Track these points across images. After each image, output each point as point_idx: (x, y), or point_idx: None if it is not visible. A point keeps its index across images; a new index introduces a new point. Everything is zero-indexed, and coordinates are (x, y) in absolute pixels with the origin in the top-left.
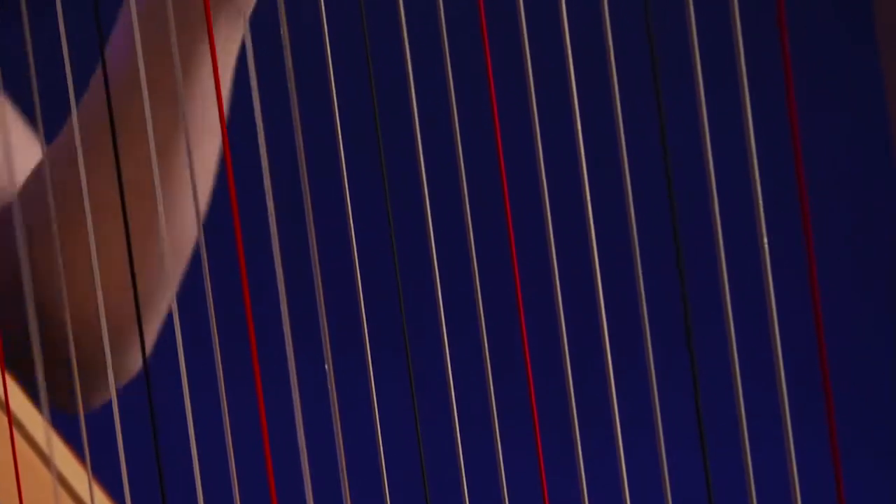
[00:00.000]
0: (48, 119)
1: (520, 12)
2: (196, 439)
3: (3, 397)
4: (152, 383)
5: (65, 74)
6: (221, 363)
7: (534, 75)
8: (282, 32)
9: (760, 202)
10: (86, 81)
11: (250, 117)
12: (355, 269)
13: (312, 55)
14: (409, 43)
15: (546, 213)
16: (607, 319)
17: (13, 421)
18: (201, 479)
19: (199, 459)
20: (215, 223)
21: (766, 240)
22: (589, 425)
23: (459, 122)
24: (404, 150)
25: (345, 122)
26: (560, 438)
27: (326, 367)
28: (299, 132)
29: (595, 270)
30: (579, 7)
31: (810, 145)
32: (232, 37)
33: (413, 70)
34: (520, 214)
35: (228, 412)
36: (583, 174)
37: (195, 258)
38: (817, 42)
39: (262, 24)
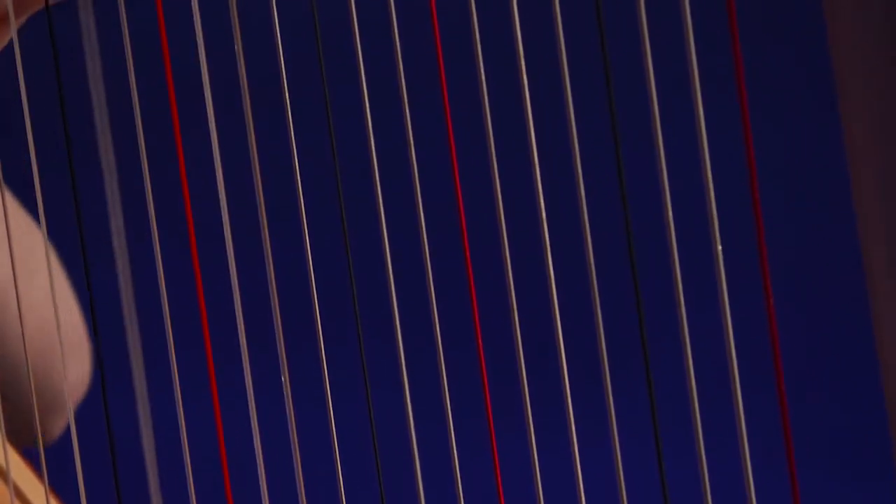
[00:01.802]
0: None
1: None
2: (154, 446)
3: None
4: (108, 403)
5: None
6: (178, 378)
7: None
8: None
9: (714, 210)
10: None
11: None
12: (308, 275)
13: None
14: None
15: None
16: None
17: None
18: (160, 489)
19: (157, 466)
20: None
21: (720, 247)
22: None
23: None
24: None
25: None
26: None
27: (283, 378)
28: (252, 140)
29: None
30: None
31: (764, 150)
32: None
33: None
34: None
35: (186, 429)
36: (537, 184)
37: (151, 267)
38: (770, 48)
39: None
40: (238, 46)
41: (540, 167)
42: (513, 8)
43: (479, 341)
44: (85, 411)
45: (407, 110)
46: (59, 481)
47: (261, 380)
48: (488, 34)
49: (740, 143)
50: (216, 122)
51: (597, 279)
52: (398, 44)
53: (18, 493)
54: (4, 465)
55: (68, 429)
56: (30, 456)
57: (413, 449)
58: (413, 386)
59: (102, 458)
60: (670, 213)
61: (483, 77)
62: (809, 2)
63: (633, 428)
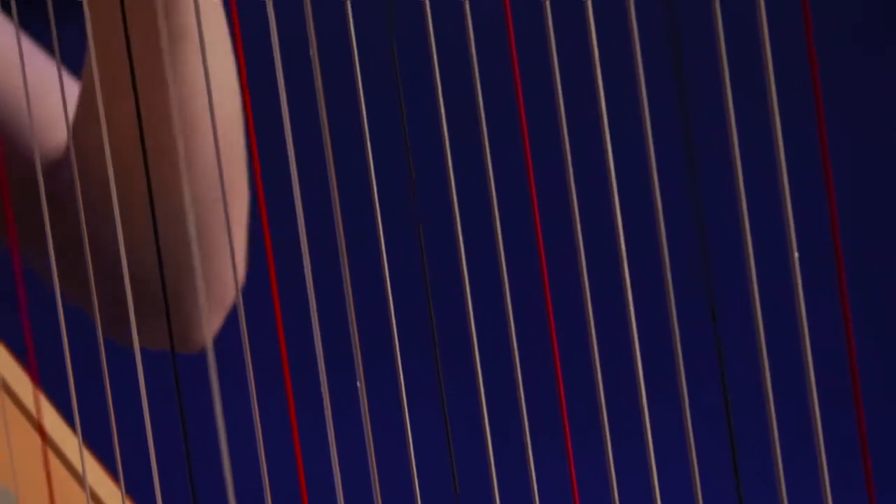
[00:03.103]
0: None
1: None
2: (229, 452)
3: (37, 418)
4: (185, 405)
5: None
6: (255, 382)
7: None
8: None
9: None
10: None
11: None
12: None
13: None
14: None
15: (575, 218)
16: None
17: (47, 440)
18: (236, 494)
19: (231, 473)
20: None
21: (797, 254)
22: (620, 434)
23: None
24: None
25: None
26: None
27: (358, 383)
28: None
29: (626, 283)
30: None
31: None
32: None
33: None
34: (548, 221)
35: (262, 430)
36: (611, 178)
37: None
38: (845, 51)
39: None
40: (313, 51)
41: (617, 184)
42: (589, 25)
43: (556, 351)
44: (161, 416)
45: (485, 135)
46: (134, 487)
47: (335, 387)
48: (566, 42)
49: (813, 153)
50: (292, 133)
51: (674, 288)
52: (475, 57)
53: (95, 497)
54: (81, 469)
55: (143, 431)
56: (104, 459)
57: (489, 452)
58: (489, 393)
59: (178, 463)
60: (747, 224)
61: (559, 88)
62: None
63: (709, 436)
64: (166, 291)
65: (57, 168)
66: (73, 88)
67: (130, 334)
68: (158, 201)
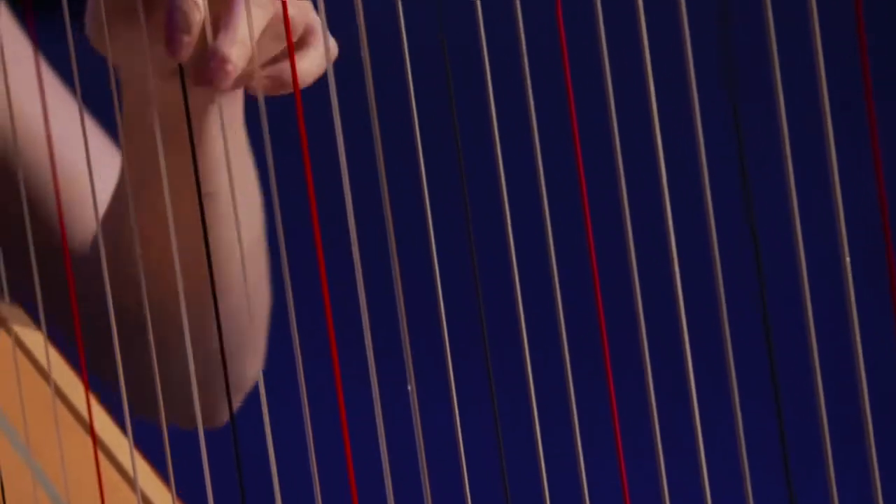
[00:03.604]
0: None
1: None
2: (277, 457)
3: (87, 419)
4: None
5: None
6: (305, 383)
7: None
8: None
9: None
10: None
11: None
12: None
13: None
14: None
15: (627, 223)
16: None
17: (97, 442)
18: (283, 498)
19: (280, 477)
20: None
21: (848, 258)
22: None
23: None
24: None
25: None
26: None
27: (409, 387)
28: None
29: (676, 286)
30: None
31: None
32: (234, 120)
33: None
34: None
35: (312, 427)
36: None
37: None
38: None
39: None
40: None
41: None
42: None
43: (606, 349)
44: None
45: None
46: (186, 490)
47: (386, 387)
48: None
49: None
50: (342, 129)
51: (724, 285)
52: (526, 57)
53: (146, 500)
54: (132, 472)
55: (194, 432)
56: (159, 460)
57: (538, 451)
58: (539, 392)
59: (228, 467)
60: (798, 226)
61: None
62: None
63: (761, 437)
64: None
65: (86, 261)
66: (115, 163)
67: (154, 414)
68: (190, 326)
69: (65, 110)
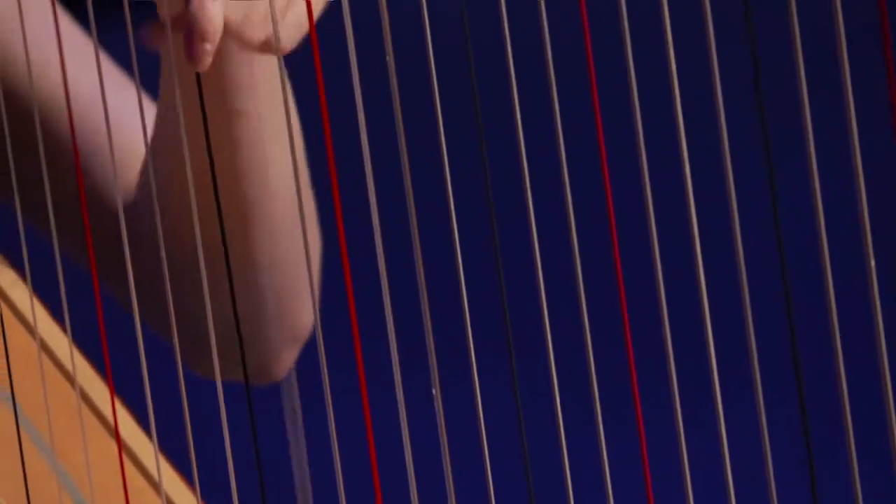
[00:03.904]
0: None
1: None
2: (302, 447)
3: (112, 423)
4: (260, 406)
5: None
6: (329, 387)
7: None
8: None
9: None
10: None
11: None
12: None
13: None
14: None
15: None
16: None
17: (122, 446)
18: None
19: (308, 475)
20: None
21: (873, 262)
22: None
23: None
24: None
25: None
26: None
27: (434, 391)
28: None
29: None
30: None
31: None
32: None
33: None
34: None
35: (336, 431)
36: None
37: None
38: None
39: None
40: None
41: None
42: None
43: (630, 350)
44: (237, 423)
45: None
46: (210, 494)
47: (411, 395)
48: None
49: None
50: (368, 134)
51: (749, 290)
52: (550, 60)
53: None
54: (157, 476)
55: (220, 436)
56: (184, 464)
57: (564, 457)
58: (564, 394)
59: (253, 471)
60: (823, 227)
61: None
62: None
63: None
64: (240, 332)
65: (132, 206)
66: (151, 112)
67: (209, 366)
68: (233, 252)
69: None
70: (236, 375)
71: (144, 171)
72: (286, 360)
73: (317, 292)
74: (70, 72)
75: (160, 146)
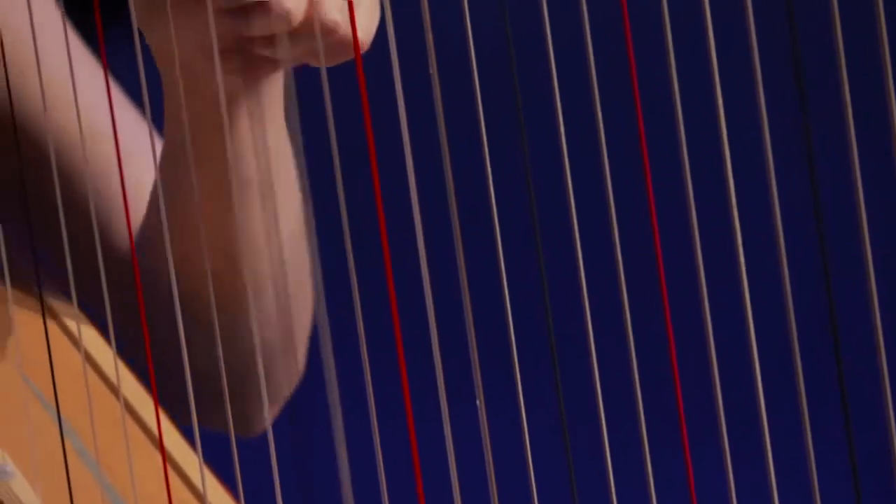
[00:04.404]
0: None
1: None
2: (346, 463)
3: (157, 435)
4: (303, 417)
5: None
6: (374, 397)
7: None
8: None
9: None
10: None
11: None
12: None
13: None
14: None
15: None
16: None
17: (167, 458)
18: None
19: (350, 488)
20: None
21: None
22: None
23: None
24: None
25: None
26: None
27: (478, 402)
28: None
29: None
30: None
31: None
32: (268, 100)
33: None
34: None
35: (380, 442)
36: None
37: (338, 297)
38: None
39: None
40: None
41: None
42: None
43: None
44: (282, 433)
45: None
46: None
47: (456, 407)
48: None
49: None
50: (411, 143)
51: (793, 298)
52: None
53: None
54: (202, 488)
55: (266, 451)
56: (229, 475)
57: (608, 474)
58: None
59: (298, 482)
60: (866, 231)
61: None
62: None
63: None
64: (226, 385)
65: (122, 257)
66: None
67: (194, 420)
68: (222, 318)
69: (106, 99)
70: (217, 426)
71: (147, 217)
72: (269, 416)
73: (303, 354)
74: (82, 102)
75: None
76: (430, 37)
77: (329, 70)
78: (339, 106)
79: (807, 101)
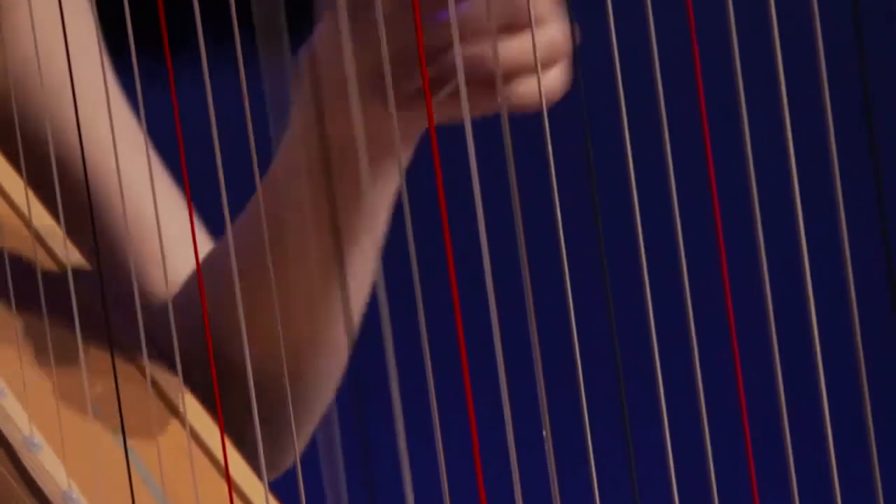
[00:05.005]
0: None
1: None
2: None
3: (223, 463)
4: (374, 452)
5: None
6: (440, 432)
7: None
8: None
9: None
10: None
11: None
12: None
13: None
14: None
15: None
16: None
17: (233, 486)
18: None
19: None
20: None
21: None
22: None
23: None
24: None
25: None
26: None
27: (544, 433)
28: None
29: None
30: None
31: None
32: (385, 189)
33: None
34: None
35: (446, 472)
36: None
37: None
38: None
39: None
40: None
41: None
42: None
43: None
44: (350, 462)
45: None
46: None
47: (521, 433)
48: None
49: None
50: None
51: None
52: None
53: None
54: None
55: (319, 476)
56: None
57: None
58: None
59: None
60: None
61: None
62: None
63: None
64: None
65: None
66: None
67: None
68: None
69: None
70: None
71: (184, 288)
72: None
73: (309, 434)
74: (128, 196)
75: (217, 269)
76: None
77: None
78: None
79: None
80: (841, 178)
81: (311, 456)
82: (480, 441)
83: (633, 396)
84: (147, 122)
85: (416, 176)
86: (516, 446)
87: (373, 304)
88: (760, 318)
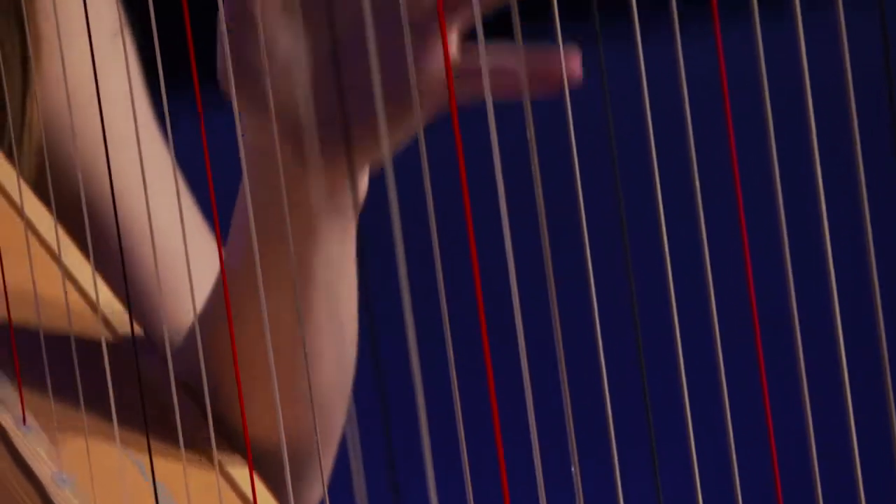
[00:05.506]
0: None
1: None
2: None
3: (251, 498)
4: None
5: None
6: (468, 465)
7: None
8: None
9: None
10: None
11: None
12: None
13: None
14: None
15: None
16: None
17: None
18: None
19: None
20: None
21: None
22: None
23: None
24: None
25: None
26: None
27: (573, 469)
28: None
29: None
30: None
31: None
32: (342, 238)
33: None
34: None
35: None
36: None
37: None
38: None
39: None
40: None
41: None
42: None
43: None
44: (375, 487)
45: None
46: None
47: (548, 467)
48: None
49: None
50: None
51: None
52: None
53: None
54: None
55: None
56: None
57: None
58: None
59: None
60: None
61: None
62: None
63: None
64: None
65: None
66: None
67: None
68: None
69: (172, 195)
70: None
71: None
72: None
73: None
74: (151, 202)
75: (217, 312)
76: (531, 131)
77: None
78: None
79: None
80: (867, 192)
81: (345, 499)
82: (507, 463)
83: (658, 417)
84: (176, 149)
85: (441, 192)
86: (542, 461)
87: (398, 313)
88: (787, 334)
